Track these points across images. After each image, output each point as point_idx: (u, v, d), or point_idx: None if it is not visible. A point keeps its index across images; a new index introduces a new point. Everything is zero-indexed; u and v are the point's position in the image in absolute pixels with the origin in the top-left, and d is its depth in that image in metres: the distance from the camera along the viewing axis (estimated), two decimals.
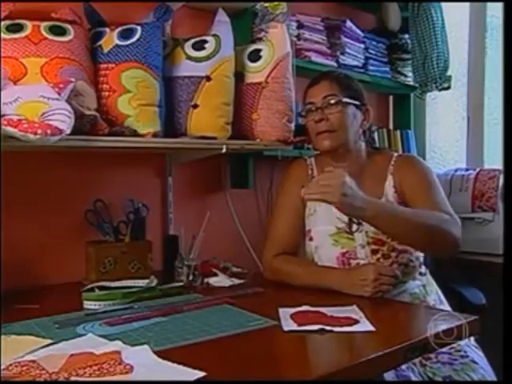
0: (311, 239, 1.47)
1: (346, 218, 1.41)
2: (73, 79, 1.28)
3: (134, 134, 1.40)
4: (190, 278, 1.45)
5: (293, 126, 1.69)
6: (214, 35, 1.56)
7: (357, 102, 1.45)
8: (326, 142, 1.42)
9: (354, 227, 1.41)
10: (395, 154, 1.50)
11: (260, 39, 1.79)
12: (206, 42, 1.55)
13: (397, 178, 1.43)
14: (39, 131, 1.12)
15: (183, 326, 1.06)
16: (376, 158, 1.50)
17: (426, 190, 1.40)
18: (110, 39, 1.43)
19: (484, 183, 2.18)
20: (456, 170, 2.36)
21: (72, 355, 0.87)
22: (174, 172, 1.79)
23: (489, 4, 2.61)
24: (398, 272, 1.31)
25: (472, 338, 1.37)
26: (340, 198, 1.17)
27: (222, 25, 1.59)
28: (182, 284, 1.43)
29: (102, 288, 1.31)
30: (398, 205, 1.37)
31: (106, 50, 1.42)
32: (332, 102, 1.41)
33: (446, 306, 1.47)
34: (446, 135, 2.79)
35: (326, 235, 1.44)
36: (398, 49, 2.41)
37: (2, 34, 1.29)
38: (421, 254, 1.46)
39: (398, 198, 1.42)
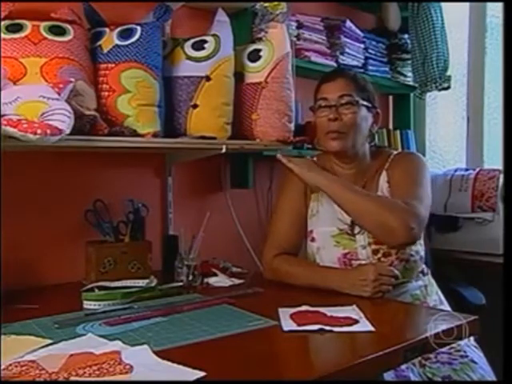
0: (313, 240, 1.46)
1: (348, 220, 1.41)
2: (72, 79, 1.28)
3: (134, 134, 1.40)
4: (190, 278, 1.45)
5: (293, 125, 1.69)
6: (213, 35, 1.56)
7: (369, 105, 1.44)
8: (335, 142, 1.40)
9: (356, 229, 1.41)
10: (394, 152, 1.50)
11: (260, 39, 1.79)
12: (205, 41, 1.55)
13: (390, 174, 1.44)
14: (39, 131, 1.12)
15: (183, 326, 1.06)
16: (377, 157, 1.50)
17: (406, 184, 1.39)
18: (110, 39, 1.43)
19: (484, 183, 2.18)
20: (456, 170, 2.36)
21: (72, 355, 0.87)
22: (173, 172, 1.79)
23: (489, 4, 2.61)
24: (398, 272, 1.31)
25: (472, 338, 1.37)
26: (301, 168, 1.39)
27: (222, 25, 1.59)
28: (181, 284, 1.42)
29: (101, 288, 1.31)
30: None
31: (105, 50, 1.42)
32: (347, 101, 1.40)
33: (446, 306, 1.46)
34: (446, 135, 2.79)
35: (328, 236, 1.43)
36: (398, 49, 2.41)
37: (2, 34, 1.29)
38: (420, 248, 1.44)
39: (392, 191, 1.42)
